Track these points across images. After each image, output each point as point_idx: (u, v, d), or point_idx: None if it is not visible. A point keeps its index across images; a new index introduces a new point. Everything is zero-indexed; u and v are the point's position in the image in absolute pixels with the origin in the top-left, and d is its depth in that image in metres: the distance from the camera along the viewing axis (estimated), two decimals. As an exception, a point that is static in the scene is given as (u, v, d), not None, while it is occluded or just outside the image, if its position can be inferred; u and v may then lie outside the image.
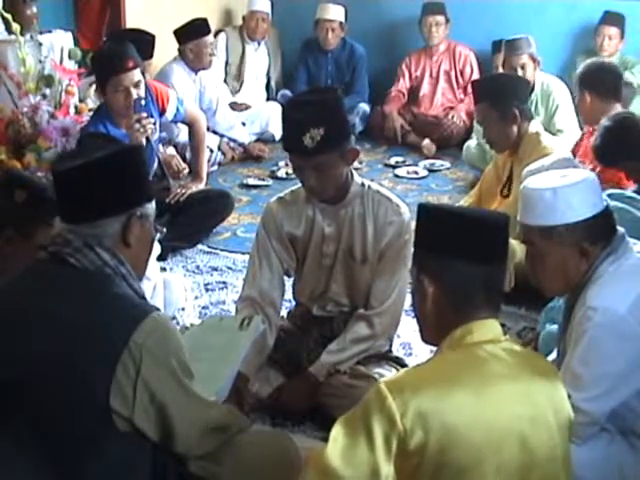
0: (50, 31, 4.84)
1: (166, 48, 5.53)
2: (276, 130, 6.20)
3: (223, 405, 2.23)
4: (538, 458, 1.72)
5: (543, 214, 2.24)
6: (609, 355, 2.20)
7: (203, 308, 3.83)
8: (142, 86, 4.04)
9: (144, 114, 3.98)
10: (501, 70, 5.45)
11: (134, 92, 3.97)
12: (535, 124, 4.04)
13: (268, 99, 6.70)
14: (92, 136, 3.44)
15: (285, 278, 3.11)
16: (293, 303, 3.34)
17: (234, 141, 5.98)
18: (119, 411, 1.86)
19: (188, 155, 5.18)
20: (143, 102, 4.00)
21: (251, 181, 5.55)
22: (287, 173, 5.53)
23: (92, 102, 4.69)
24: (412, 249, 1.96)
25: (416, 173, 5.76)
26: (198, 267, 4.27)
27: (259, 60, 6.66)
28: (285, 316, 3.27)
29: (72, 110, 4.62)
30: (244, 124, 6.15)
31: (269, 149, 6.12)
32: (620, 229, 2.31)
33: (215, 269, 4.25)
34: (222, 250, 4.47)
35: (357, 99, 6.49)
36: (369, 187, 3.00)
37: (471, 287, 1.80)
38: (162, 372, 1.90)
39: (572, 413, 1.82)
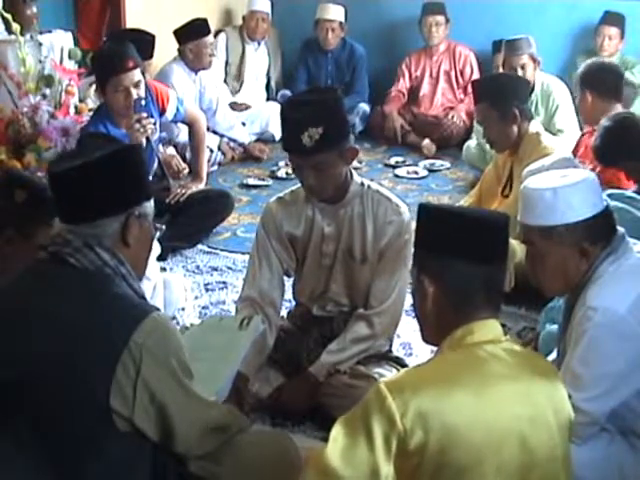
0: (50, 31, 4.85)
1: (166, 48, 5.53)
2: (276, 130, 6.20)
3: (223, 405, 2.23)
4: (538, 458, 1.72)
5: (543, 214, 2.24)
6: (609, 355, 2.20)
7: (203, 308, 3.83)
8: (142, 86, 4.04)
9: (144, 114, 3.98)
10: (501, 70, 5.45)
11: (134, 92, 3.97)
12: (535, 124, 4.04)
13: (268, 99, 6.70)
14: (92, 136, 3.45)
15: (285, 278, 3.11)
16: (293, 303, 3.34)
17: (234, 141, 5.98)
18: (119, 411, 1.86)
19: (188, 155, 5.18)
20: (143, 102, 4.00)
21: (251, 181, 5.55)
22: (287, 173, 5.53)
23: (92, 102, 4.69)
24: (412, 249, 1.96)
25: (416, 173, 5.76)
26: (198, 267, 4.27)
27: (259, 60, 6.66)
28: (285, 316, 3.27)
29: (72, 110, 4.62)
30: (244, 124, 6.15)
31: (269, 149, 6.12)
32: (620, 229, 2.31)
33: (215, 269, 4.25)
34: (222, 250, 4.47)
35: (357, 99, 6.49)
36: (369, 187, 3.00)
37: (471, 287, 1.80)
38: (162, 372, 1.90)
39: (572, 413, 1.82)
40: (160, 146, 4.74)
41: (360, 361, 2.98)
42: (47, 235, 2.29)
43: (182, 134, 5.29)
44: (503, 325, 1.87)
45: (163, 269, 4.02)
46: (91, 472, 1.89)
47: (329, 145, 2.75)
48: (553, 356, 2.56)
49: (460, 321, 1.80)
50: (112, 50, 4.11)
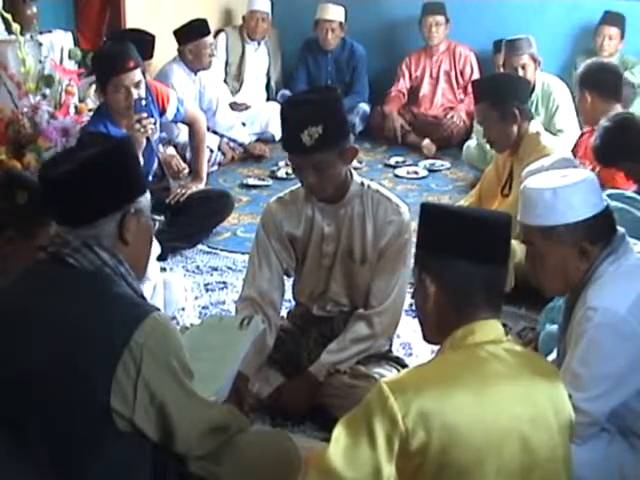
0: (50, 31, 4.85)
1: (166, 48, 5.53)
2: (276, 130, 6.20)
3: (223, 405, 2.23)
4: (539, 458, 1.72)
5: (543, 214, 2.24)
6: (609, 355, 2.20)
7: (203, 308, 3.83)
8: (143, 86, 4.04)
9: (144, 114, 3.98)
10: (502, 70, 5.45)
11: (135, 92, 3.97)
12: (535, 124, 4.04)
13: (268, 99, 6.70)
14: (92, 135, 3.45)
15: (285, 278, 3.11)
16: (293, 303, 3.34)
17: (234, 141, 5.98)
18: (120, 411, 1.86)
19: (188, 155, 5.18)
20: (144, 102, 4.00)
21: (251, 181, 5.56)
22: (287, 173, 5.53)
23: (92, 102, 4.69)
24: (412, 249, 1.96)
25: (416, 173, 5.76)
26: (198, 267, 4.27)
27: (259, 60, 6.66)
28: (285, 316, 3.27)
29: (72, 110, 4.62)
30: (244, 124, 6.15)
31: (269, 149, 6.12)
32: (620, 229, 2.31)
33: (215, 269, 4.25)
34: (222, 250, 4.47)
35: (357, 99, 6.49)
36: (369, 187, 3.00)
37: (472, 287, 1.80)
38: (162, 372, 1.90)
39: (573, 413, 1.82)
40: (160, 146, 4.74)
41: (360, 361, 2.98)
42: (47, 235, 2.29)
43: (182, 134, 5.29)
44: (504, 325, 1.87)
45: (163, 269, 4.02)
46: (91, 472, 1.89)
47: (329, 144, 2.75)
48: (553, 356, 2.56)
49: (461, 321, 1.80)
50: (113, 50, 4.11)
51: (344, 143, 2.82)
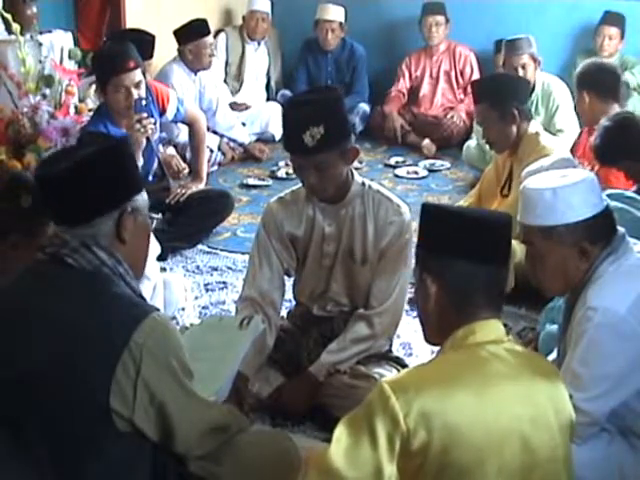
0: (50, 31, 4.84)
1: (166, 48, 5.53)
2: (276, 130, 6.20)
3: (223, 405, 2.23)
4: (539, 458, 1.72)
5: (543, 214, 2.24)
6: (609, 355, 2.20)
7: (203, 308, 3.83)
8: (143, 86, 4.04)
9: (144, 114, 3.98)
10: (502, 70, 5.45)
11: (135, 92, 3.97)
12: (535, 124, 4.04)
13: (268, 99, 6.70)
14: (92, 135, 3.44)
15: (285, 278, 3.11)
16: (293, 303, 3.34)
17: (234, 141, 5.98)
18: (119, 411, 1.86)
19: (188, 155, 5.18)
20: (144, 102, 4.00)
21: (251, 181, 5.55)
22: (287, 173, 5.53)
23: (92, 102, 4.69)
24: (413, 249, 1.96)
25: (416, 173, 5.76)
26: (198, 267, 4.27)
27: (259, 60, 6.66)
28: (285, 316, 3.27)
29: (72, 110, 4.62)
30: (244, 124, 6.15)
31: (269, 149, 6.12)
32: (620, 229, 2.31)
33: (215, 269, 4.25)
34: (222, 250, 4.47)
35: (357, 99, 6.49)
36: (369, 187, 3.00)
37: (472, 287, 1.80)
38: (162, 372, 1.89)
39: (573, 413, 1.82)
40: (160, 146, 4.74)
41: (360, 361, 2.98)
42: (46, 234, 2.29)
43: (182, 134, 5.30)
44: (504, 325, 1.88)
45: (163, 269, 4.02)
46: (91, 472, 1.89)
47: (331, 145, 2.75)
48: (553, 356, 2.56)
49: (462, 321, 1.80)
50: (113, 50, 4.11)
51: (346, 143, 2.82)
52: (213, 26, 5.94)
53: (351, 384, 2.88)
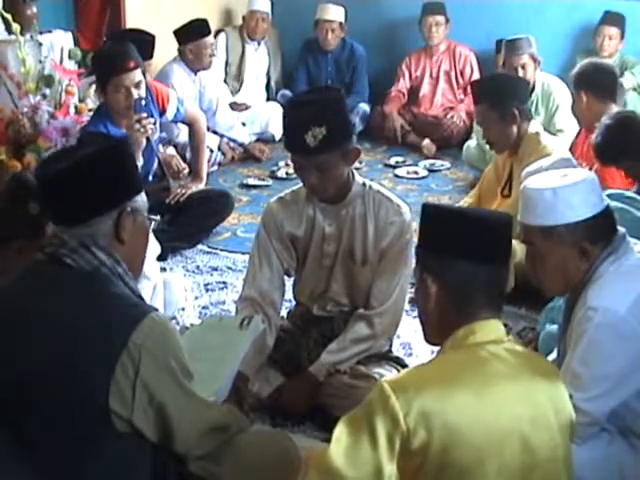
0: (50, 31, 4.84)
1: (166, 48, 5.53)
2: (276, 130, 6.21)
3: (223, 405, 2.23)
4: (539, 458, 1.72)
5: (543, 214, 2.24)
6: (609, 355, 2.20)
7: (203, 308, 3.82)
8: (143, 86, 4.04)
9: (144, 114, 3.98)
10: (501, 70, 5.45)
11: (135, 92, 3.97)
12: (535, 124, 4.03)
13: (268, 99, 6.70)
14: (92, 135, 3.44)
15: (285, 278, 3.11)
16: (293, 303, 3.34)
17: (234, 141, 5.98)
18: (118, 412, 1.86)
19: (188, 155, 5.18)
20: (144, 102, 4.00)
21: (251, 181, 5.55)
22: (287, 173, 5.53)
23: (92, 102, 4.68)
24: (413, 249, 1.96)
25: (416, 173, 5.76)
26: (198, 267, 4.27)
27: (259, 60, 6.66)
28: (285, 316, 3.27)
29: (72, 110, 4.62)
30: (244, 124, 6.15)
31: (269, 149, 6.12)
32: (621, 229, 2.31)
33: (215, 269, 4.25)
34: (222, 250, 4.47)
35: (357, 99, 6.49)
36: (370, 187, 3.00)
37: (472, 287, 1.80)
38: (161, 372, 1.89)
39: (573, 414, 1.82)
40: (160, 146, 4.74)
41: (360, 361, 2.98)
42: (46, 234, 2.29)
43: (182, 134, 5.30)
44: (505, 325, 1.88)
45: (163, 269, 4.02)
46: (91, 472, 1.89)
47: (332, 145, 2.75)
48: (553, 356, 2.56)
49: (462, 321, 1.80)
50: (113, 50, 4.11)
51: (347, 144, 2.82)
52: (213, 26, 5.94)
53: (351, 384, 2.88)
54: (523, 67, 5.20)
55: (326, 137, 2.71)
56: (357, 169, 3.48)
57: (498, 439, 1.68)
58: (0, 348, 1.94)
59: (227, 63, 6.51)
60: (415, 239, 1.97)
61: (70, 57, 4.76)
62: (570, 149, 4.41)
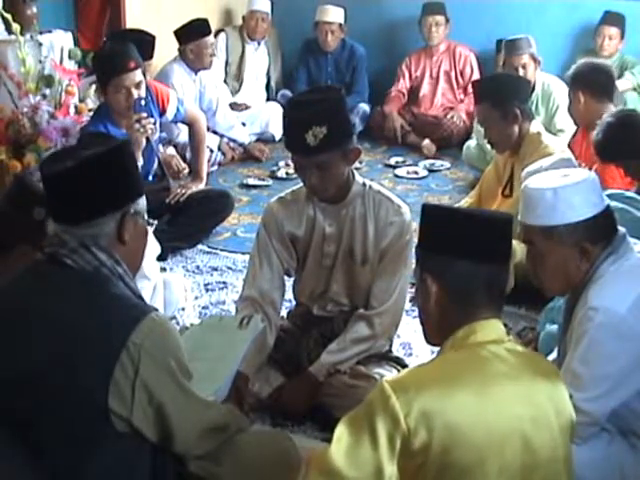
0: (50, 31, 4.84)
1: (166, 48, 5.53)
2: (276, 130, 6.20)
3: (222, 405, 2.22)
4: (540, 459, 1.72)
5: (544, 214, 2.24)
6: (610, 355, 2.19)
7: (203, 308, 3.82)
8: (143, 86, 4.04)
9: (144, 114, 3.98)
10: (501, 70, 5.45)
11: (135, 92, 3.97)
12: (536, 124, 4.03)
13: (268, 99, 6.70)
14: (92, 135, 3.44)
15: (285, 278, 3.11)
16: (293, 303, 3.34)
17: (234, 141, 5.98)
18: (117, 411, 1.86)
19: (188, 155, 5.18)
20: (143, 102, 4.00)
21: (251, 181, 5.55)
22: (287, 173, 5.53)
23: (92, 102, 4.69)
24: (413, 249, 1.96)
25: (416, 173, 5.76)
26: (198, 267, 4.27)
27: (259, 60, 6.66)
28: (285, 316, 3.27)
29: (72, 110, 4.62)
30: (244, 124, 6.15)
31: (269, 149, 6.12)
32: (621, 229, 2.31)
33: (215, 269, 4.25)
34: (222, 250, 4.47)
35: (357, 99, 6.49)
36: (370, 187, 3.00)
37: (472, 287, 1.80)
38: (160, 372, 1.89)
39: (574, 414, 1.82)
40: (160, 146, 4.74)
41: (360, 361, 2.98)
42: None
43: (182, 134, 5.30)
44: (505, 325, 1.87)
45: (163, 269, 4.02)
46: (91, 472, 1.89)
47: (333, 145, 2.75)
48: (553, 356, 2.56)
49: (462, 321, 1.80)
50: (113, 50, 4.11)
51: (348, 144, 2.82)
52: (213, 26, 5.94)
53: (351, 384, 2.88)
54: (524, 67, 5.21)
55: (326, 136, 2.71)
56: (357, 169, 3.48)
57: (499, 439, 1.68)
58: (0, 348, 1.94)
59: (227, 63, 6.51)
60: (415, 239, 1.97)
61: (70, 57, 4.76)
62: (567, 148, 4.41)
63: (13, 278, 2.03)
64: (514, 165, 3.96)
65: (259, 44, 6.61)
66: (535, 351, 2.84)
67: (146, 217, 2.07)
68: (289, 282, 3.19)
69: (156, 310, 1.96)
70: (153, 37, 4.80)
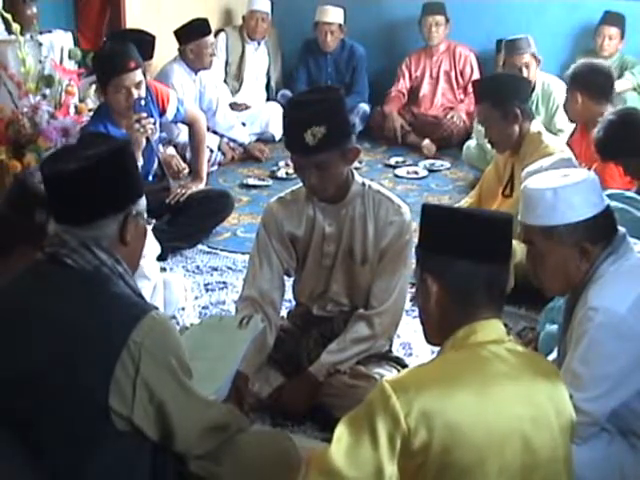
0: (50, 31, 4.84)
1: (166, 48, 5.53)
2: (276, 130, 6.20)
3: (223, 404, 2.23)
4: (540, 459, 1.72)
5: (544, 214, 2.24)
6: (610, 355, 2.19)
7: (203, 308, 3.82)
8: (143, 86, 4.04)
9: (144, 114, 3.98)
10: (502, 70, 5.45)
11: (135, 92, 3.97)
12: (536, 124, 4.03)
13: (268, 99, 6.70)
14: (92, 135, 3.44)
15: (285, 278, 3.11)
16: (293, 303, 3.34)
17: (234, 141, 5.98)
18: (118, 410, 1.86)
19: (188, 155, 5.18)
20: (143, 102, 4.00)
21: (251, 181, 5.55)
22: (287, 173, 5.53)
23: (92, 102, 4.68)
24: (413, 249, 1.96)
25: (416, 173, 5.76)
26: (198, 267, 4.27)
27: (259, 60, 6.66)
28: (285, 316, 3.27)
29: (72, 110, 4.61)
30: (244, 124, 6.15)
31: (269, 149, 6.12)
32: (621, 229, 2.31)
33: (215, 269, 4.25)
34: (222, 250, 4.47)
35: (357, 99, 6.49)
36: (370, 187, 3.00)
37: (473, 286, 1.80)
38: (161, 371, 1.90)
39: (574, 414, 1.82)
40: (160, 146, 4.74)
41: (360, 361, 2.98)
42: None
43: (182, 134, 5.29)
44: (505, 325, 1.87)
45: (163, 269, 4.02)
46: (91, 471, 1.89)
47: (332, 144, 2.75)
48: (553, 356, 2.56)
49: (462, 321, 1.80)
50: (114, 50, 4.11)
51: (347, 143, 2.82)
52: (213, 26, 5.94)
53: (351, 384, 2.88)
54: (527, 66, 5.22)
55: (325, 136, 2.72)
56: (357, 169, 3.49)
57: (499, 439, 1.68)
58: (0, 348, 1.94)
59: (227, 63, 6.51)
60: (415, 239, 1.97)
61: (70, 57, 4.76)
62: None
63: (13, 278, 2.03)
64: (514, 165, 3.96)
65: (259, 44, 6.61)
66: (535, 351, 2.84)
67: (146, 217, 2.07)
68: (289, 282, 3.19)
69: (156, 309, 1.96)
70: (153, 37, 4.80)
